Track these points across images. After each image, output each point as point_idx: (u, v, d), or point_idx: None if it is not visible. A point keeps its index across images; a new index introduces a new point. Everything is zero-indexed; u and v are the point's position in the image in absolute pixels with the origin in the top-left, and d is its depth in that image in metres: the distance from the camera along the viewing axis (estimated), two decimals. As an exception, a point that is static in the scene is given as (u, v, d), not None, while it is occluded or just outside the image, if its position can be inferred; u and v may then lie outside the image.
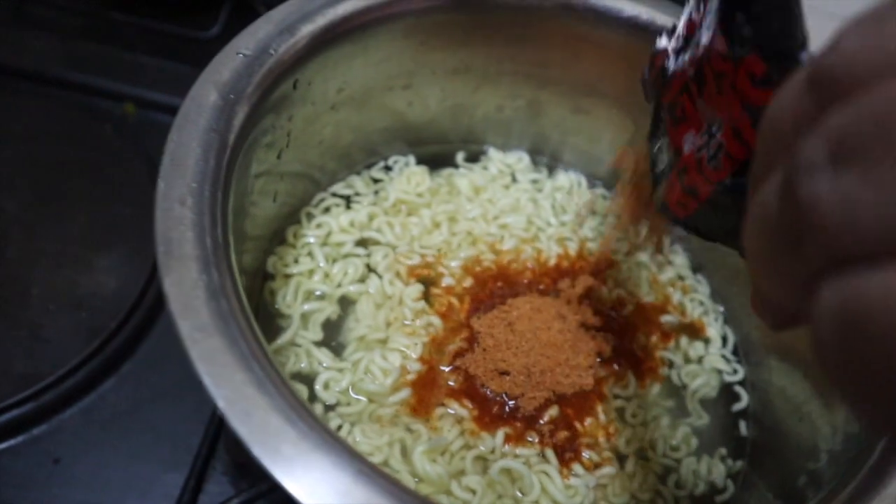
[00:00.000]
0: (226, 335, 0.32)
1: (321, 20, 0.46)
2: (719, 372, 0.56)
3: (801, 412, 0.48)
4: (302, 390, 0.47)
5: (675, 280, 0.60)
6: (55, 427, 0.53)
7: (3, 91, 0.69)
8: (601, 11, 0.52)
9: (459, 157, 0.62)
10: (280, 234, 0.54)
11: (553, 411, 0.49)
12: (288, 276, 0.52)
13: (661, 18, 0.53)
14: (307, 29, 0.45)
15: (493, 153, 0.63)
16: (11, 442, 0.52)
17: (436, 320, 0.52)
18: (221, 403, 0.30)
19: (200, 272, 0.33)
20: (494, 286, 0.55)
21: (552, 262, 0.57)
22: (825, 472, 0.42)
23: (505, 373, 0.50)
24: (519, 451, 0.47)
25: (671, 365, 0.55)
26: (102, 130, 0.69)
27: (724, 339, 0.58)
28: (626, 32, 0.53)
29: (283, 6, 0.46)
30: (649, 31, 0.53)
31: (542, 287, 0.55)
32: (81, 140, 0.68)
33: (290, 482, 0.29)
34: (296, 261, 0.53)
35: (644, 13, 0.53)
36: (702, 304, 0.59)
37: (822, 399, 0.46)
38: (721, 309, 0.59)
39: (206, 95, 0.40)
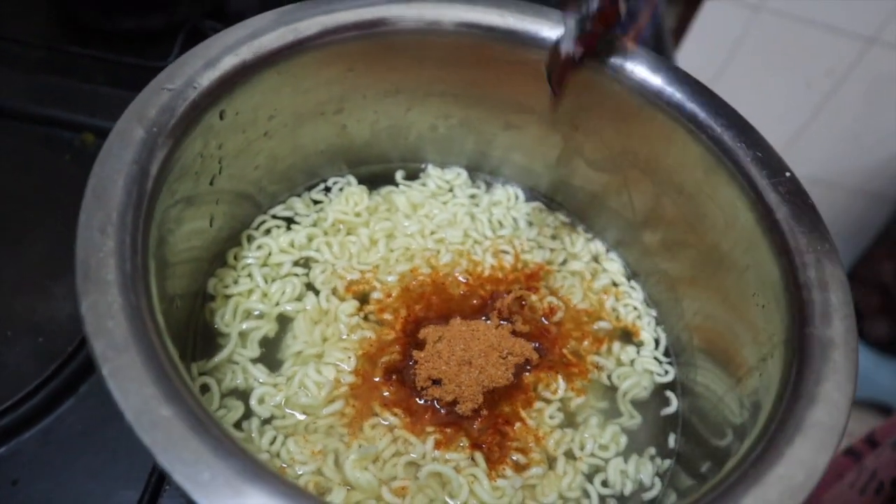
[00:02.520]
0: (139, 353, 0.35)
1: (245, 52, 0.49)
2: (651, 373, 0.59)
3: (722, 402, 0.52)
4: (238, 406, 0.51)
5: (610, 287, 0.63)
6: (14, 450, 0.56)
7: (-36, 127, 0.73)
8: (520, 33, 0.56)
9: (399, 175, 0.66)
10: (221, 256, 0.57)
11: (483, 417, 0.53)
12: (227, 297, 0.55)
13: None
14: (231, 62, 0.49)
15: (432, 170, 0.66)
16: (-30, 465, 0.55)
17: (370, 334, 0.55)
18: (129, 416, 0.33)
19: (117, 295, 0.37)
20: (430, 299, 0.58)
21: (486, 273, 0.60)
22: (735, 443, 0.45)
23: (437, 381, 0.53)
24: (449, 455, 0.51)
25: (603, 368, 0.58)
26: (61, 160, 0.73)
27: (657, 342, 0.61)
28: (545, 53, 0.57)
29: (209, 40, 0.50)
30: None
31: (475, 301, 0.59)
32: (40, 170, 0.72)
33: (190, 485, 0.32)
34: (235, 282, 0.56)
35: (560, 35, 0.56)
36: (635, 309, 0.62)
37: (736, 384, 0.50)
38: (654, 313, 0.62)
39: (130, 130, 0.44)
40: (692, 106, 0.54)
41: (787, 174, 0.51)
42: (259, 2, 0.96)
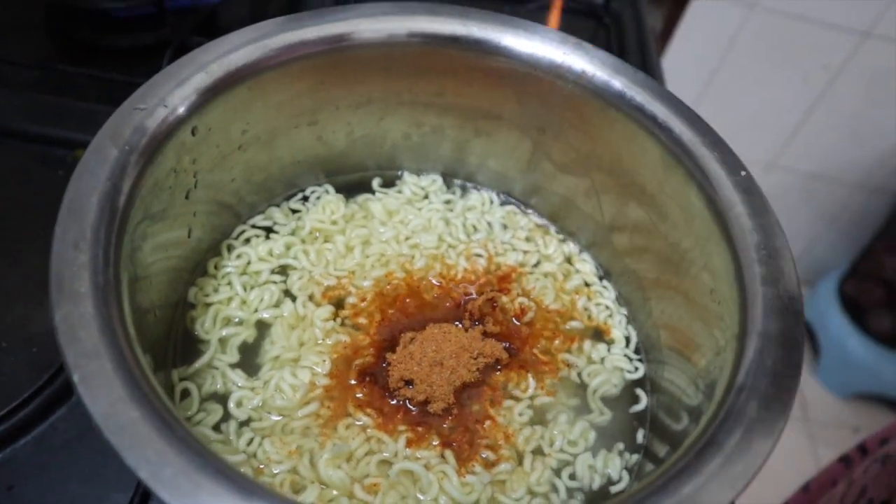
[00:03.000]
0: (109, 360, 0.38)
1: (215, 70, 0.52)
2: (621, 370, 0.61)
3: (686, 396, 0.53)
4: (217, 409, 0.53)
5: (582, 287, 0.65)
6: (9, 456, 0.59)
7: (-40, 145, 0.76)
8: (483, 42, 0.58)
9: (375, 183, 0.68)
10: (202, 266, 0.60)
11: (454, 416, 0.55)
12: (208, 305, 0.58)
13: (541, 48, 0.58)
14: (200, 79, 0.51)
15: (408, 177, 0.69)
16: (-33, 472, 0.58)
17: (345, 338, 0.57)
18: (97, 419, 0.36)
19: (89, 306, 0.39)
20: (403, 303, 0.60)
21: (460, 276, 0.62)
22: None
23: (409, 382, 0.55)
24: (420, 453, 0.53)
25: (574, 366, 0.60)
26: (55, 175, 0.76)
27: (627, 340, 0.63)
28: (508, 60, 0.59)
29: (181, 59, 0.52)
30: (531, 59, 0.59)
31: (448, 304, 0.61)
32: (35, 186, 0.75)
33: (153, 482, 0.34)
34: (215, 290, 0.59)
35: (523, 45, 0.58)
36: (607, 308, 0.64)
37: (697, 379, 0.52)
38: (625, 311, 0.64)
39: (104, 149, 0.46)
40: (652, 108, 0.56)
41: (743, 173, 0.53)
42: (249, 17, 0.99)
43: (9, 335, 0.64)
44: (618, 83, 0.57)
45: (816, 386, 2.00)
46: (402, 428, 0.54)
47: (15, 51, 0.88)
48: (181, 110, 0.50)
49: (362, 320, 0.59)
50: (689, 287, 0.55)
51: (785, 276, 0.48)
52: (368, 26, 0.56)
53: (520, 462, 0.54)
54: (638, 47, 1.01)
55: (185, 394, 0.54)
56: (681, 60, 1.68)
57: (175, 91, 0.50)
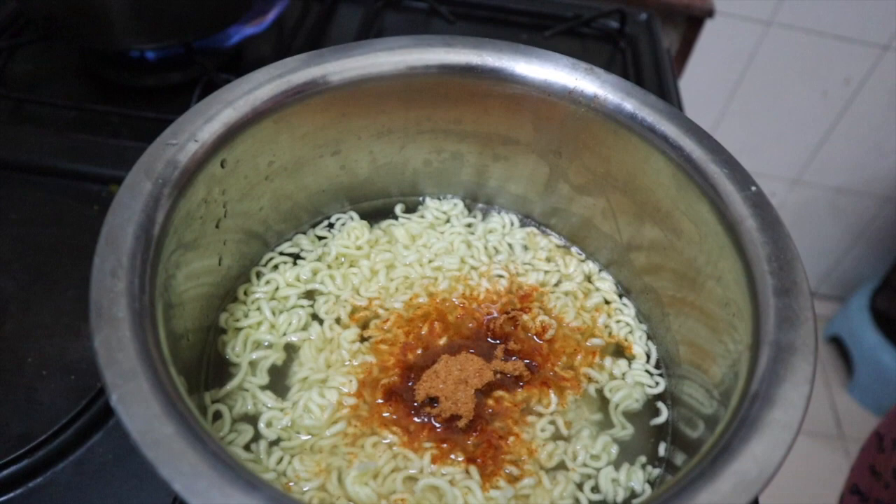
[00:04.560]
0: (145, 381, 0.40)
1: (242, 105, 0.55)
2: (643, 385, 0.62)
3: (703, 407, 0.54)
4: (248, 429, 0.55)
5: (602, 305, 0.66)
6: (49, 480, 0.61)
7: (2, 184, 0.80)
8: (498, 70, 0.61)
9: (398, 208, 0.70)
10: (232, 292, 0.63)
11: (478, 433, 0.56)
12: (238, 329, 0.60)
13: (553, 74, 0.61)
14: (229, 115, 0.54)
15: (430, 202, 0.71)
16: (10, 495, 0.60)
17: (371, 359, 0.59)
18: (134, 435, 0.38)
19: (126, 331, 0.42)
20: (428, 324, 0.62)
21: (482, 297, 0.64)
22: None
23: (434, 399, 0.57)
24: (445, 469, 0.54)
25: (595, 381, 0.61)
26: (90, 211, 0.79)
27: (648, 355, 0.64)
28: (523, 87, 0.61)
29: (210, 96, 0.55)
30: (544, 85, 0.61)
31: (471, 324, 0.63)
32: (71, 222, 0.79)
33: (187, 494, 0.36)
34: (245, 315, 0.61)
35: (536, 71, 0.61)
36: (627, 325, 0.65)
37: (714, 390, 0.53)
38: (645, 328, 0.65)
39: (138, 183, 0.49)
40: (663, 128, 0.58)
41: (753, 188, 0.54)
42: (273, 55, 1.03)
43: (48, 364, 0.67)
44: (629, 105, 0.59)
45: (851, 402, 1.97)
46: (427, 445, 0.55)
47: (52, 93, 0.93)
48: (210, 144, 0.53)
49: (388, 341, 0.61)
50: (704, 301, 0.57)
51: (797, 286, 0.49)
52: (388, 59, 0.59)
53: (543, 477, 0.55)
54: (654, 69, 1.03)
55: (218, 415, 0.56)
56: (701, 79, 1.69)
57: (204, 127, 0.53)
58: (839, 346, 2.14)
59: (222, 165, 0.55)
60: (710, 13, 1.20)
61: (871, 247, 2.04)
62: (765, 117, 1.82)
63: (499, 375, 0.59)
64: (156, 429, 0.38)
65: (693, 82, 1.69)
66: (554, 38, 1.04)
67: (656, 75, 1.01)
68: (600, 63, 1.04)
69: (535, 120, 0.63)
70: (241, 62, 1.00)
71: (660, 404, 0.61)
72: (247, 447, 0.55)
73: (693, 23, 1.23)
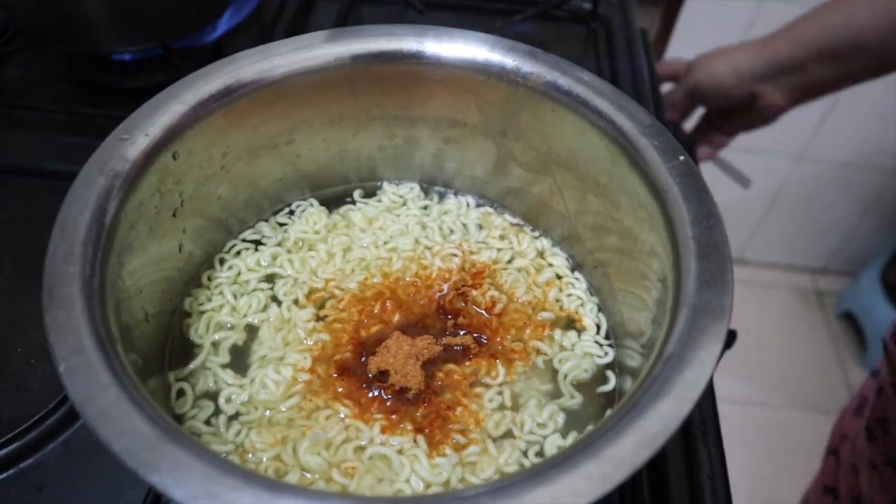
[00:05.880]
0: (92, 353, 0.44)
1: (190, 99, 0.59)
2: (592, 356, 0.65)
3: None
4: (209, 405, 0.59)
5: (554, 280, 0.69)
6: (39, 461, 0.66)
7: (-6, 186, 0.86)
8: (442, 57, 0.64)
9: (357, 194, 0.74)
10: (196, 278, 0.67)
11: (427, 404, 0.60)
12: (202, 313, 0.65)
13: (494, 56, 0.64)
14: (178, 109, 0.58)
15: (387, 187, 0.75)
16: (3, 476, 0.65)
17: (326, 336, 0.63)
18: (76, 402, 0.42)
19: (75, 310, 0.46)
20: (381, 303, 0.66)
21: (434, 275, 0.68)
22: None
23: (385, 373, 0.61)
24: (394, 439, 0.58)
25: (545, 353, 0.64)
26: (77, 210, 0.84)
27: (598, 327, 0.67)
28: (465, 70, 0.64)
29: (161, 93, 0.60)
30: (486, 67, 0.64)
31: (423, 301, 0.66)
32: (58, 220, 0.84)
33: (124, 454, 0.40)
34: (209, 299, 0.66)
35: (479, 54, 0.64)
36: (579, 298, 0.68)
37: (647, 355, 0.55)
38: (595, 300, 0.68)
39: (92, 176, 0.54)
40: (596, 103, 0.61)
41: (681, 158, 0.57)
42: (253, 49, 1.08)
43: (35, 353, 0.72)
44: (563, 82, 0.62)
45: (865, 377, 1.96)
46: (377, 416, 0.59)
47: (42, 99, 0.99)
48: (161, 138, 0.57)
49: (342, 320, 0.64)
50: (643, 269, 0.59)
51: (717, 250, 0.52)
52: (330, 51, 0.63)
53: (490, 445, 0.59)
54: (626, 50, 1.05)
55: (181, 393, 0.60)
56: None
57: (155, 121, 0.57)
58: (852, 321, 2.13)
59: (174, 157, 0.59)
60: (689, -10, 1.22)
61: (881, 221, 2.02)
62: (765, 93, 1.82)
63: (448, 349, 0.62)
64: (97, 396, 0.42)
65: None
66: (525, 23, 1.07)
67: (628, 55, 1.04)
68: (574, 45, 1.07)
69: (478, 102, 0.66)
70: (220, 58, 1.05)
71: (609, 373, 0.64)
72: (207, 422, 0.59)
73: (673, 1, 1.24)
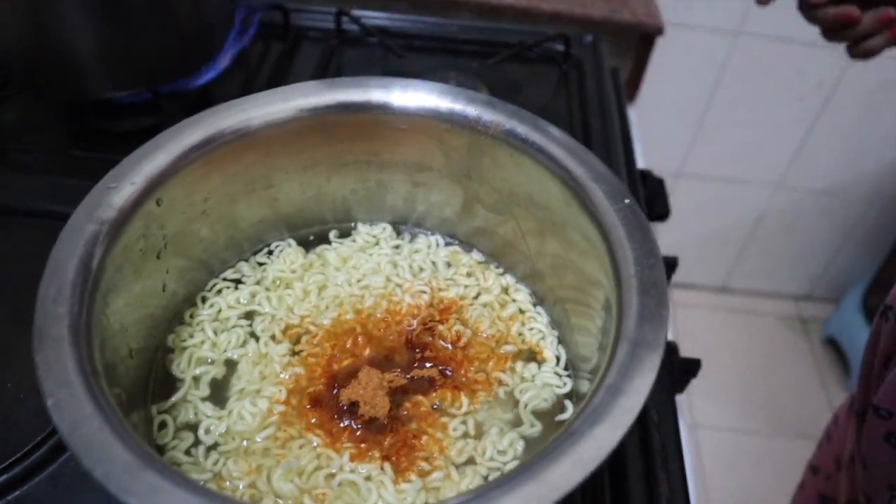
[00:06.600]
0: (78, 388, 0.49)
1: (173, 149, 0.64)
2: (551, 386, 0.69)
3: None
4: (189, 436, 0.64)
5: (517, 314, 0.75)
6: (27, 493, 0.70)
7: (-15, 226, 0.91)
8: (405, 106, 0.70)
9: (332, 234, 0.80)
10: (179, 315, 0.72)
11: (394, 433, 0.64)
12: (184, 348, 0.70)
13: (456, 106, 0.70)
14: (162, 159, 0.64)
15: (361, 227, 0.80)
16: (-10, 508, 0.70)
17: (301, 370, 0.68)
18: (63, 432, 0.47)
19: (63, 348, 0.51)
20: (353, 338, 0.71)
21: (404, 311, 0.73)
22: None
23: (355, 404, 0.65)
24: (363, 467, 0.63)
25: (506, 384, 0.69)
26: (67, 249, 0.89)
27: (558, 359, 0.72)
28: (430, 118, 0.70)
29: (147, 143, 0.65)
30: (449, 116, 0.70)
31: (392, 336, 0.71)
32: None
33: (105, 480, 0.45)
34: (190, 336, 0.70)
35: (442, 104, 0.70)
36: (540, 331, 0.73)
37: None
38: (556, 333, 0.73)
39: (80, 222, 0.59)
40: (551, 149, 0.66)
41: (626, 201, 0.62)
42: (239, 93, 1.14)
43: (25, 388, 0.77)
44: (521, 130, 0.68)
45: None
46: (347, 445, 0.64)
47: (34, 141, 1.04)
48: (145, 186, 0.62)
49: (316, 354, 0.69)
50: (593, 305, 0.64)
51: (656, 286, 0.57)
52: (302, 102, 0.69)
53: (453, 471, 0.63)
54: (597, 90, 1.11)
55: (163, 425, 0.65)
56: (675, 92, 1.77)
57: (140, 170, 0.63)
58: (835, 347, 2.18)
59: (158, 203, 0.64)
60: (659, 31, 1.28)
61: (860, 247, 2.08)
62: (743, 125, 1.89)
63: (415, 381, 0.67)
64: (82, 426, 0.47)
65: (667, 96, 1.77)
66: (500, 65, 1.13)
67: (598, 95, 1.10)
68: (546, 86, 1.14)
69: (443, 148, 0.72)
70: (208, 102, 1.10)
71: (567, 402, 0.69)
72: (187, 452, 0.63)
73: (645, 41, 1.31)
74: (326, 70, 1.14)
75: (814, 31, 1.66)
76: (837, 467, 1.00)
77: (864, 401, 0.85)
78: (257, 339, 0.71)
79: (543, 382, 0.70)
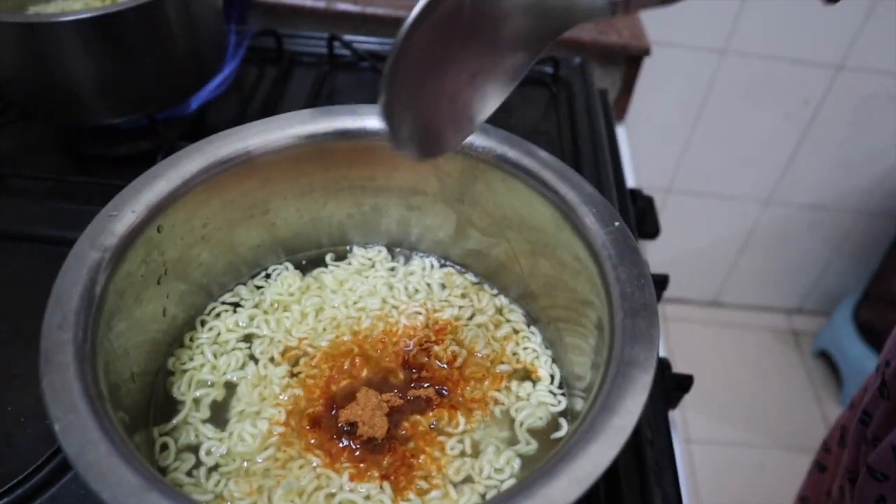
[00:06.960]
0: (84, 413, 0.51)
1: (173, 177, 0.66)
2: (546, 405, 0.71)
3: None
4: (190, 458, 0.66)
5: (511, 334, 0.76)
6: (29, 516, 0.72)
7: (-17, 251, 0.92)
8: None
9: (329, 257, 0.81)
10: (179, 339, 0.74)
11: (393, 453, 0.66)
12: (184, 371, 0.71)
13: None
14: (162, 187, 0.66)
15: (357, 250, 0.82)
16: (-9, 531, 0.71)
17: (300, 391, 0.70)
18: (71, 456, 0.48)
19: (69, 374, 0.53)
20: (350, 359, 0.73)
21: (400, 332, 0.75)
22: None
23: (353, 424, 0.67)
24: (362, 486, 0.64)
25: (502, 403, 0.71)
26: (66, 274, 0.91)
27: (552, 378, 0.73)
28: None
29: (148, 171, 0.67)
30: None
31: (388, 357, 0.73)
32: (49, 283, 0.89)
33: (112, 501, 0.47)
34: (190, 359, 0.72)
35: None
36: (534, 351, 0.75)
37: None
38: (550, 353, 0.75)
39: (84, 250, 0.61)
40: (542, 174, 0.69)
41: (616, 224, 0.64)
42: (234, 118, 1.16)
43: (25, 412, 0.78)
44: (512, 155, 0.70)
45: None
46: (346, 465, 0.65)
47: (32, 167, 1.06)
48: (146, 214, 0.64)
49: (314, 376, 0.71)
50: (586, 325, 0.67)
51: (646, 308, 0.59)
52: (303, 130, 0.71)
53: (450, 490, 0.65)
54: (586, 111, 1.14)
55: (164, 447, 0.66)
56: (663, 110, 1.81)
57: (141, 198, 0.64)
58: (828, 360, 2.21)
59: (159, 230, 0.66)
60: (646, 51, 1.31)
61: (850, 260, 2.11)
62: (731, 142, 1.92)
63: (412, 401, 0.69)
64: (89, 451, 0.49)
65: (656, 114, 1.80)
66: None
67: (587, 115, 1.12)
68: (536, 108, 1.16)
69: (437, 172, 0.74)
70: (202, 128, 1.13)
71: (561, 420, 0.71)
72: (189, 473, 0.65)
73: (632, 62, 1.34)
74: (319, 94, 1.17)
75: (800, 48, 1.71)
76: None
77: (854, 465, 0.87)
78: (256, 361, 0.72)
79: (538, 401, 0.71)
